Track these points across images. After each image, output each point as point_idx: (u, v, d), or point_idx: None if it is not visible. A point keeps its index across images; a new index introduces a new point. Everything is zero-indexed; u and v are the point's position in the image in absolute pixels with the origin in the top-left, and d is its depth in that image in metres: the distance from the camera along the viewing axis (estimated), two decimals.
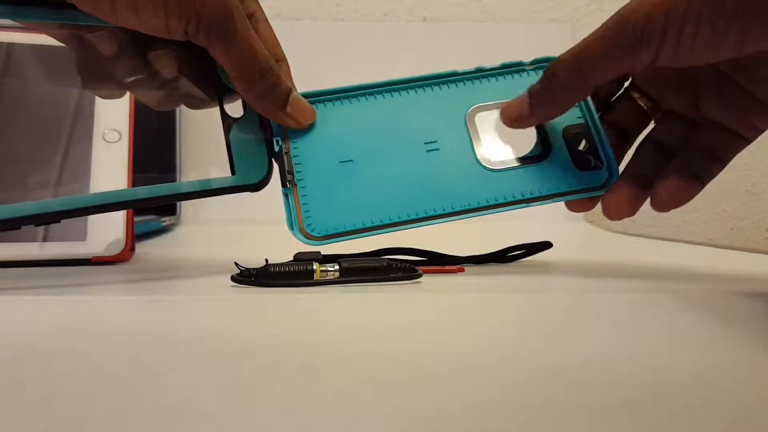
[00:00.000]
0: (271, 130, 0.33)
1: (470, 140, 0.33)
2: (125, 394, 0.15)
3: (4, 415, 0.13)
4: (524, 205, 0.32)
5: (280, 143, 0.32)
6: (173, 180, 0.71)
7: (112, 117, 0.40)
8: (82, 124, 0.40)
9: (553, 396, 0.15)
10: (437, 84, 0.35)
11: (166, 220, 0.69)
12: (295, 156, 0.32)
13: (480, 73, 0.35)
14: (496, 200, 0.32)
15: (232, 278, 0.28)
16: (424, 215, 0.31)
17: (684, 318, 0.23)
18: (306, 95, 0.33)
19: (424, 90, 0.34)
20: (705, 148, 0.31)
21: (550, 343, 0.20)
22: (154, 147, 0.71)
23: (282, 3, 0.82)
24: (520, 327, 0.22)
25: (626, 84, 0.34)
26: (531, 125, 0.32)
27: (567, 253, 0.42)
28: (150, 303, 0.26)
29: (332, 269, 0.29)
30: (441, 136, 0.33)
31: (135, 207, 0.30)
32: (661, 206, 0.31)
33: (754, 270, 0.37)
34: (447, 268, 0.34)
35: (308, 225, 0.31)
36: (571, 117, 0.34)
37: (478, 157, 0.33)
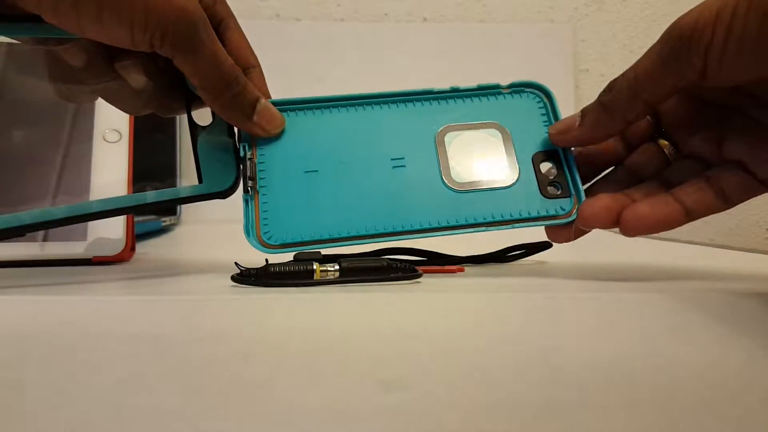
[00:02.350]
0: (240, 137, 0.33)
1: (437, 159, 0.33)
2: (125, 394, 0.15)
3: (4, 415, 0.13)
4: (485, 228, 0.31)
5: (246, 149, 0.32)
6: (174, 185, 0.72)
7: (113, 117, 0.40)
8: (82, 124, 0.40)
9: (553, 396, 0.15)
10: (411, 101, 0.35)
11: (167, 220, 0.69)
12: (260, 162, 0.32)
13: (455, 93, 0.35)
14: (457, 222, 0.31)
15: (232, 278, 0.28)
16: (383, 231, 0.31)
17: (684, 318, 0.23)
18: (277, 103, 0.33)
19: (397, 106, 0.34)
20: (711, 180, 0.30)
21: (550, 343, 0.20)
22: (154, 151, 0.71)
23: (282, 3, 0.82)
24: (520, 327, 0.22)
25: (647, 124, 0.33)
26: (576, 142, 0.32)
27: (567, 253, 0.42)
28: (150, 303, 0.26)
29: (332, 269, 0.29)
30: (408, 153, 0.33)
31: (102, 218, 0.31)
32: (626, 228, 0.29)
33: (754, 270, 0.37)
34: (447, 268, 0.34)
35: (265, 233, 0.31)
36: (543, 144, 0.33)
37: (444, 177, 0.32)
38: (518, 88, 0.35)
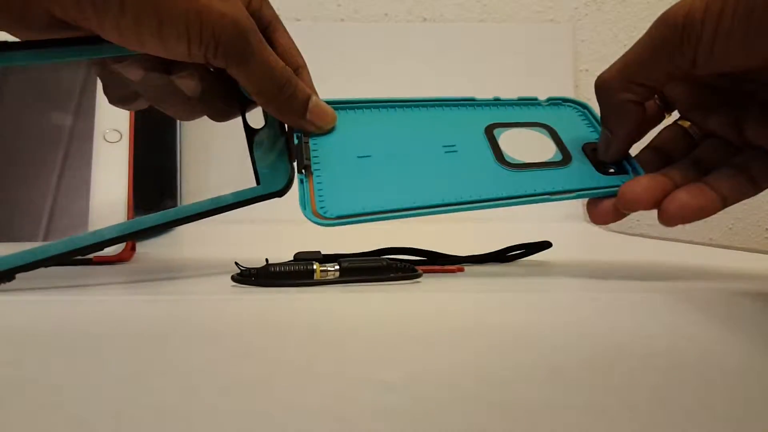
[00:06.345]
0: (291, 130, 0.33)
1: (489, 147, 0.33)
2: (125, 394, 0.15)
3: (4, 415, 0.13)
4: (545, 198, 0.31)
5: (302, 137, 0.32)
6: (175, 187, 0.72)
7: (113, 117, 0.40)
8: (82, 124, 0.40)
9: (552, 396, 0.15)
10: (456, 105, 0.36)
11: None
12: (314, 150, 0.32)
13: (497, 102, 0.36)
14: (516, 192, 0.31)
15: (233, 278, 0.28)
16: (440, 203, 0.30)
17: (684, 318, 0.23)
18: (331, 102, 0.34)
19: (443, 109, 0.35)
20: (741, 168, 0.30)
21: (550, 343, 0.20)
22: (154, 159, 0.71)
23: (282, 3, 0.82)
24: (520, 327, 0.22)
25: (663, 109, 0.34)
26: (621, 148, 0.32)
27: (567, 253, 0.42)
28: (150, 303, 0.26)
29: (332, 269, 0.29)
30: (459, 142, 0.33)
31: (169, 228, 0.31)
32: (667, 217, 0.30)
33: (754, 270, 0.37)
34: (447, 268, 0.34)
35: (321, 207, 0.30)
36: (589, 136, 0.34)
37: (497, 160, 0.33)
38: (556, 101, 0.36)
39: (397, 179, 0.31)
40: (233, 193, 0.31)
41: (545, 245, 0.38)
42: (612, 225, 0.79)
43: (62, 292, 0.28)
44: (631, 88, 0.30)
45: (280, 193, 0.32)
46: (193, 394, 0.15)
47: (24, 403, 0.14)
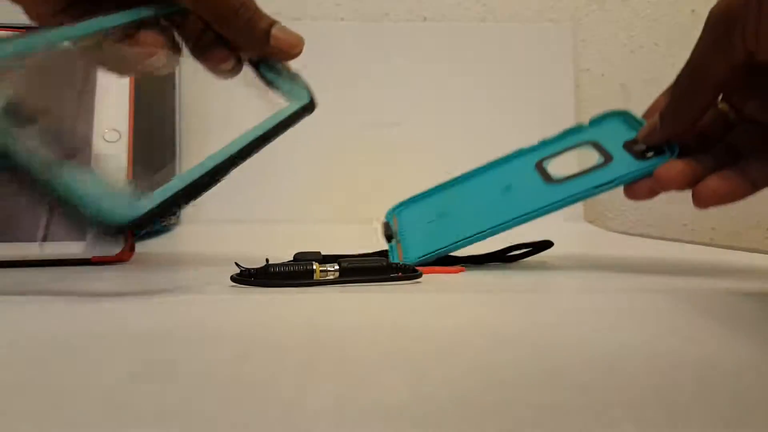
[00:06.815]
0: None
1: (539, 175, 0.37)
2: (125, 394, 0.15)
3: (4, 415, 0.13)
4: (588, 194, 0.34)
5: (390, 225, 0.40)
6: (173, 169, 0.71)
7: (112, 116, 0.40)
8: (81, 124, 0.40)
9: (553, 396, 0.15)
10: (508, 160, 0.40)
11: (166, 220, 0.69)
12: (400, 225, 0.40)
13: (543, 142, 0.39)
14: (562, 198, 0.34)
15: (232, 278, 0.28)
16: (499, 223, 0.34)
17: (684, 318, 0.23)
18: (407, 202, 0.42)
19: (499, 166, 0.40)
20: None
21: (551, 343, 0.20)
22: (153, 143, 0.71)
23: (282, 3, 0.82)
24: (521, 327, 0.22)
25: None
26: (663, 137, 0.34)
27: (567, 253, 0.42)
28: (150, 303, 0.26)
29: (332, 269, 0.29)
30: (514, 181, 0.38)
31: (237, 163, 0.29)
32: (700, 200, 0.32)
33: (754, 270, 0.37)
34: (447, 268, 0.34)
35: (406, 258, 0.35)
36: (630, 135, 0.36)
37: (545, 181, 0.36)
38: (598, 120, 0.39)
39: (464, 220, 0.37)
40: (273, 115, 0.31)
41: (546, 245, 0.37)
42: (612, 225, 0.79)
43: (62, 292, 0.28)
44: (703, 91, 0.31)
45: (310, 106, 0.32)
46: (193, 394, 0.15)
47: (23, 404, 0.14)
